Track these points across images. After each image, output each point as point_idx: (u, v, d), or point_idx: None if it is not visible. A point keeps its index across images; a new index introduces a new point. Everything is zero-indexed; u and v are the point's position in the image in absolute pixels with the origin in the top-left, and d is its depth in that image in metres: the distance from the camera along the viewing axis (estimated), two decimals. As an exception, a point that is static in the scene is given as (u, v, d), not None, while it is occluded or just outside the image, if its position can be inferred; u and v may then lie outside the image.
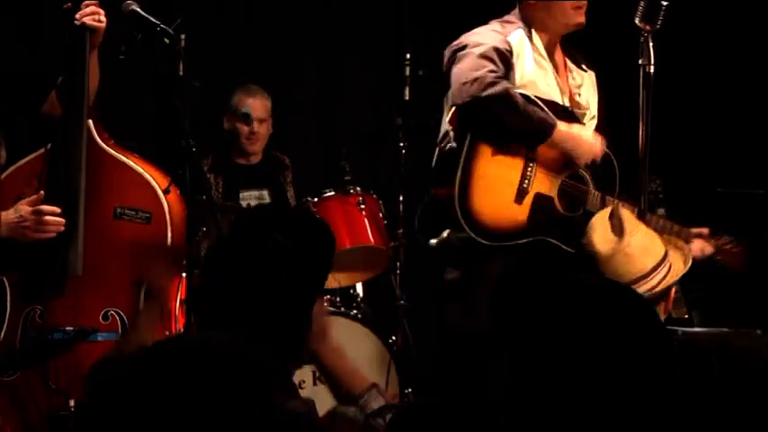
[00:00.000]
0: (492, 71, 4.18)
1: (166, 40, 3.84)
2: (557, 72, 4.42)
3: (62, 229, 3.78)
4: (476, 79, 4.16)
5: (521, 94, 4.25)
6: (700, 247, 4.49)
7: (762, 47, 6.04)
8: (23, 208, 3.77)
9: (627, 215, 3.78)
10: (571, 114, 4.43)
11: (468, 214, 4.25)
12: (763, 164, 5.77)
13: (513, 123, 4.21)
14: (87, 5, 3.91)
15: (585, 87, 4.54)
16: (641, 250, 3.63)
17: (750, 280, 5.41)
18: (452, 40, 4.41)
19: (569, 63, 4.51)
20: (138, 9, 3.92)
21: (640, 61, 4.10)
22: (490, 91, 4.15)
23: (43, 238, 3.76)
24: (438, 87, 4.37)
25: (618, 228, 3.70)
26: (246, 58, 6.13)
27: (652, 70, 4.07)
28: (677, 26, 4.30)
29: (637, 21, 4.10)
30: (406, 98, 5.62)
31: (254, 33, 6.22)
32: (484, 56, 4.22)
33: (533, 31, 4.36)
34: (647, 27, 4.09)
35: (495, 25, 4.41)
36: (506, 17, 4.42)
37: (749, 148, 6.02)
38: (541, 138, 4.26)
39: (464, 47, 4.28)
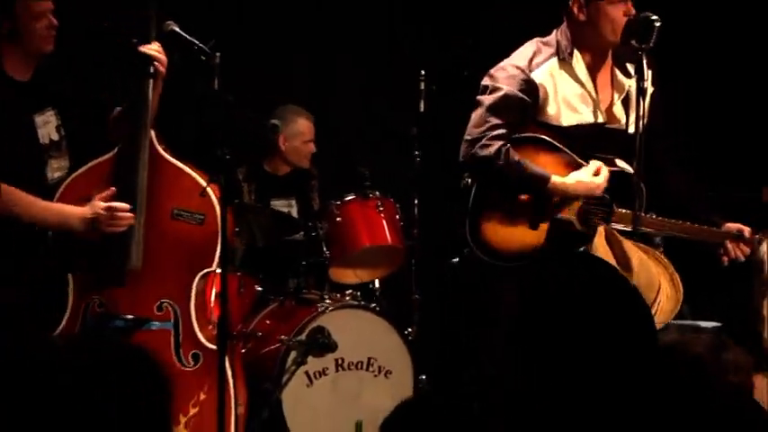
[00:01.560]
0: (493, 127, 4.21)
1: (203, 58, 3.98)
2: (599, 89, 4.32)
3: (132, 223, 3.99)
4: (473, 140, 4.23)
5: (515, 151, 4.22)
6: (743, 251, 4.38)
7: (761, 48, 6.09)
8: (98, 204, 3.96)
9: (629, 247, 3.81)
10: (604, 132, 4.33)
11: (480, 243, 4.28)
12: (758, 167, 5.81)
13: (503, 182, 4.23)
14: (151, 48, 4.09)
15: (624, 97, 4.34)
16: (646, 288, 3.67)
17: (740, 274, 5.52)
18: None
19: (618, 75, 4.37)
20: (178, 29, 4.11)
21: (635, 78, 4.15)
22: (482, 153, 4.18)
23: (114, 232, 3.97)
24: (449, 101, 4.51)
25: (622, 259, 3.74)
26: (245, 60, 6.06)
27: (646, 86, 4.10)
28: (676, 27, 4.32)
29: (631, 40, 4.14)
30: (421, 110, 5.84)
31: (252, 34, 6.29)
32: (492, 107, 4.24)
33: (576, 52, 4.27)
34: (641, 45, 4.11)
35: (530, 50, 4.32)
36: (548, 38, 4.33)
37: (743, 150, 6.05)
38: (536, 191, 4.24)
39: (485, 88, 4.30)
